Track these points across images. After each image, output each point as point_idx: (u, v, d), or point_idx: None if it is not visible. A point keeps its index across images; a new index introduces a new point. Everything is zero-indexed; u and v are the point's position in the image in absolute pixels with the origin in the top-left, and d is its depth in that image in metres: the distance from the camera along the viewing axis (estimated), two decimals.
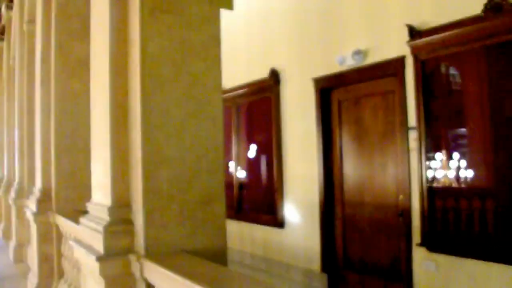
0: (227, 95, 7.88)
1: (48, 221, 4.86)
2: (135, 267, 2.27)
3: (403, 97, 5.18)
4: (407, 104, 5.15)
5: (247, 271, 7.33)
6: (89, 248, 2.52)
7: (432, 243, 4.81)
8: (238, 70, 7.95)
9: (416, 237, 4.98)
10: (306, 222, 6.60)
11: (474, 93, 4.66)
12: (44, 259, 5.01)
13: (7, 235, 9.44)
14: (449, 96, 4.90)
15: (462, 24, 4.51)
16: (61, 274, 4.66)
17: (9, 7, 9.18)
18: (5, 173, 10.52)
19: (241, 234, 8.00)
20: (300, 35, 6.74)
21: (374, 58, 5.55)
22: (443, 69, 4.92)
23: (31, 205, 5.37)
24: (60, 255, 4.65)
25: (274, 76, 7.11)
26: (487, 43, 4.39)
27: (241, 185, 8.25)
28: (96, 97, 2.81)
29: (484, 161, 4.54)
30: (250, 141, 8.15)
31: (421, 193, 4.91)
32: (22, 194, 7.31)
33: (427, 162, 4.86)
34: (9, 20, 9.52)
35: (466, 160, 4.63)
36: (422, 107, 4.92)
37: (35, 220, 5.01)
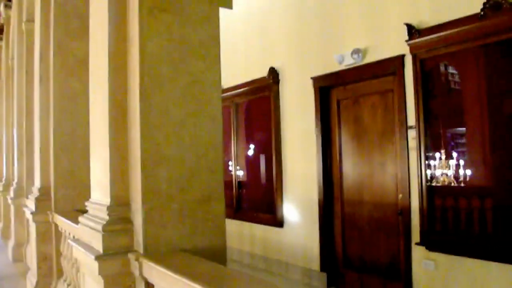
0: (226, 94, 7.89)
1: (47, 220, 4.85)
2: (134, 266, 2.27)
3: (402, 96, 5.19)
4: (406, 103, 5.15)
5: (247, 270, 7.33)
6: (88, 247, 2.52)
7: (431, 242, 4.81)
8: (237, 69, 7.95)
9: (415, 236, 4.98)
10: (305, 221, 6.60)
11: (473, 92, 4.66)
12: (43, 258, 5.01)
13: (6, 235, 9.43)
14: (448, 95, 4.90)
15: (461, 23, 4.51)
16: (60, 274, 4.66)
17: (8, 6, 9.17)
18: (4, 172, 10.51)
19: (241, 234, 8.00)
20: (299, 34, 6.74)
21: (373, 57, 5.55)
22: (442, 68, 4.93)
23: (30, 205, 5.36)
24: (59, 254, 4.64)
25: (273, 75, 7.11)
26: (486, 42, 4.39)
27: (240, 184, 8.26)
28: (95, 97, 2.80)
29: (483, 160, 4.54)
30: (249, 140, 8.15)
31: (420, 192, 4.91)
32: (21, 193, 7.31)
33: (426, 161, 4.87)
34: (8, 19, 9.50)
35: (465, 159, 4.64)
36: (421, 106, 4.93)
37: (34, 220, 5.00)
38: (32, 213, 5.02)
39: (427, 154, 4.88)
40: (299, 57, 6.74)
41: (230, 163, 8.36)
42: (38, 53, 5.18)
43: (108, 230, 2.33)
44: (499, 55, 4.39)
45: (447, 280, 4.69)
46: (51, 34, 4.83)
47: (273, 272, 7.12)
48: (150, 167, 2.27)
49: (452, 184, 4.67)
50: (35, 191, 5.20)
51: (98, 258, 2.29)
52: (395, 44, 5.22)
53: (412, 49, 5.00)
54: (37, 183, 5.23)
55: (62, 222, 4.26)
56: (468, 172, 4.57)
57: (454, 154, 4.70)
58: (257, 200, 7.86)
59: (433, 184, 4.82)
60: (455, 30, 4.56)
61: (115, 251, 2.33)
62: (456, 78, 4.91)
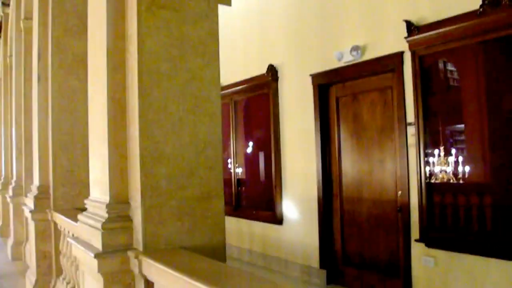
0: (225, 91, 7.88)
1: (46, 218, 4.85)
2: (133, 264, 2.26)
3: (401, 93, 5.19)
4: (405, 100, 5.15)
5: (246, 267, 7.34)
6: (87, 245, 2.51)
7: (430, 239, 4.82)
8: (236, 66, 7.95)
9: (415, 232, 4.99)
10: (304, 219, 6.60)
11: (472, 89, 4.66)
12: (42, 256, 5.01)
13: (5, 233, 9.44)
14: (447, 92, 4.90)
15: (460, 20, 4.51)
16: (59, 272, 4.66)
17: (6, 4, 9.15)
18: (3, 171, 10.50)
19: (240, 231, 8.01)
20: (298, 31, 6.73)
21: (372, 54, 5.54)
22: (441, 64, 4.92)
23: (29, 203, 5.36)
24: (58, 252, 4.64)
25: (272, 72, 7.10)
26: (485, 39, 4.39)
27: (240, 182, 8.26)
28: (93, 94, 2.79)
29: (482, 157, 4.55)
30: (248, 137, 8.15)
31: (420, 189, 4.91)
32: (19, 192, 7.31)
33: (426, 158, 4.87)
34: (6, 17, 9.48)
35: (464, 156, 4.64)
36: (420, 103, 4.92)
37: (33, 218, 5.00)
38: (31, 211, 5.01)
39: (426, 151, 4.89)
40: (298, 54, 6.73)
41: (229, 160, 8.36)
42: (37, 51, 5.17)
43: (107, 228, 2.33)
44: (498, 51, 4.39)
45: (447, 277, 4.69)
46: (49, 32, 4.82)
47: (272, 269, 7.13)
48: (149, 164, 2.26)
49: (451, 181, 4.67)
50: (34, 190, 5.20)
51: (97, 256, 2.28)
52: (394, 41, 5.22)
53: (411, 46, 4.99)
54: (36, 181, 5.22)
55: (61, 220, 4.26)
56: (467, 169, 4.58)
57: (453, 151, 4.70)
58: (256, 197, 7.87)
59: (432, 181, 4.82)
60: (454, 26, 4.56)
61: (114, 249, 2.32)
62: (455, 75, 4.91)
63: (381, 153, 5.59)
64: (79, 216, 2.79)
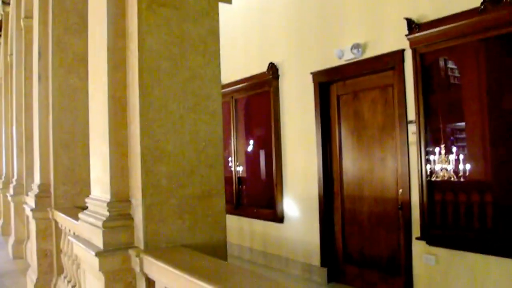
0: (225, 90, 7.88)
1: (47, 217, 4.85)
2: (134, 262, 2.26)
3: (402, 90, 5.18)
4: (406, 98, 5.14)
5: (247, 265, 7.34)
6: (88, 244, 2.51)
7: (431, 237, 4.82)
8: (236, 64, 7.94)
9: (416, 230, 4.98)
10: (305, 217, 6.60)
11: (473, 86, 4.65)
12: (44, 255, 5.01)
13: (6, 232, 9.45)
14: (448, 90, 4.89)
15: (461, 17, 4.50)
16: (60, 270, 4.66)
17: (6, 3, 9.15)
18: (4, 169, 10.51)
19: (241, 229, 8.01)
20: (299, 29, 6.72)
21: (372, 51, 5.54)
22: (442, 62, 4.91)
23: (30, 201, 5.36)
24: (59, 251, 4.65)
25: (273, 70, 7.10)
26: (487, 36, 4.38)
27: (240, 180, 8.25)
28: (94, 92, 2.79)
29: (482, 155, 4.54)
30: (249, 136, 8.14)
31: (420, 187, 4.91)
32: (20, 190, 7.31)
33: (426, 156, 4.86)
34: (6, 15, 9.48)
35: (465, 154, 4.64)
36: (421, 101, 4.92)
37: (34, 216, 5.00)
38: (32, 210, 5.02)
39: (427, 149, 4.88)
40: (298, 52, 6.72)
41: (230, 159, 8.35)
42: (37, 50, 5.17)
43: (108, 226, 2.33)
44: (499, 49, 4.38)
45: (448, 275, 4.69)
46: (49, 30, 4.81)
47: (273, 267, 7.13)
48: (150, 163, 2.26)
49: (452, 179, 4.67)
50: (35, 188, 5.20)
51: (98, 254, 2.28)
52: (394, 38, 5.21)
53: (412, 43, 4.99)
54: (37, 180, 5.22)
55: (62, 219, 4.26)
56: (468, 166, 4.57)
57: (454, 149, 4.69)
58: (257, 195, 7.86)
59: (433, 179, 4.81)
60: (455, 24, 4.55)
61: (115, 247, 2.32)
62: (456, 73, 4.90)
63: (382, 151, 5.59)
64: (80, 215, 2.79)
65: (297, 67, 6.72)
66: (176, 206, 2.32)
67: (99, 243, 2.36)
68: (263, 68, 7.27)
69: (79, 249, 2.67)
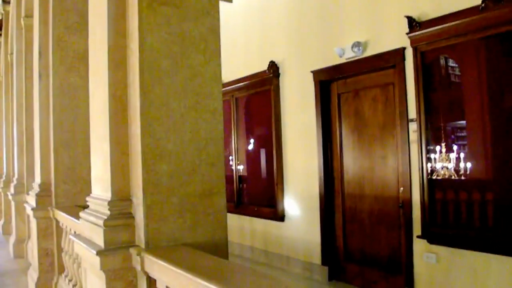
0: (226, 88, 7.88)
1: (48, 216, 4.86)
2: (135, 261, 2.26)
3: (403, 89, 5.17)
4: (407, 96, 5.14)
5: (248, 264, 7.34)
6: (89, 243, 2.51)
7: (432, 235, 4.81)
8: (237, 63, 7.94)
9: (417, 229, 4.98)
10: (306, 215, 6.60)
11: (474, 85, 4.64)
12: (44, 254, 5.02)
13: (7, 231, 9.46)
14: (449, 88, 4.89)
15: (462, 15, 4.49)
16: (61, 269, 4.67)
17: (6, 2, 9.15)
18: (4, 169, 10.52)
19: (241, 228, 8.01)
20: (299, 27, 6.71)
21: (373, 50, 5.53)
22: (442, 60, 4.90)
23: (31, 201, 5.36)
24: (60, 250, 4.65)
25: (273, 68, 7.09)
26: (487, 34, 4.37)
27: (241, 179, 8.26)
28: (95, 91, 2.79)
29: (483, 153, 4.53)
30: (249, 134, 8.14)
31: (421, 185, 4.91)
32: (21, 189, 7.31)
33: (427, 154, 4.86)
34: (7, 14, 9.48)
35: (466, 152, 4.63)
36: (422, 99, 4.91)
37: (35, 215, 5.01)
38: (32, 209, 5.02)
39: (428, 147, 4.88)
40: (299, 50, 6.72)
41: (230, 157, 8.35)
42: (37, 49, 5.17)
43: (109, 225, 2.33)
44: (500, 47, 4.37)
45: (449, 273, 4.69)
46: (50, 29, 4.81)
47: (274, 266, 7.13)
48: (150, 161, 2.26)
49: (453, 177, 4.66)
50: (36, 187, 5.20)
51: (99, 253, 2.28)
52: (395, 37, 5.20)
53: (413, 41, 4.98)
54: (38, 179, 5.23)
55: (63, 218, 4.27)
56: (469, 165, 4.57)
57: (455, 147, 4.69)
58: (258, 194, 7.87)
59: (434, 177, 4.81)
60: (456, 22, 4.54)
61: (116, 246, 2.32)
62: (457, 71, 4.89)
63: (383, 149, 5.58)
64: (81, 214, 2.79)
65: (298, 66, 6.71)
66: (177, 205, 2.32)
67: (100, 242, 2.36)
68: (264, 66, 7.27)
69: (80, 248, 2.67)
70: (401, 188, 5.24)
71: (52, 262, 4.94)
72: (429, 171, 4.83)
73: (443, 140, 4.77)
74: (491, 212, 4.40)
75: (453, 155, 4.67)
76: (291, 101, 6.88)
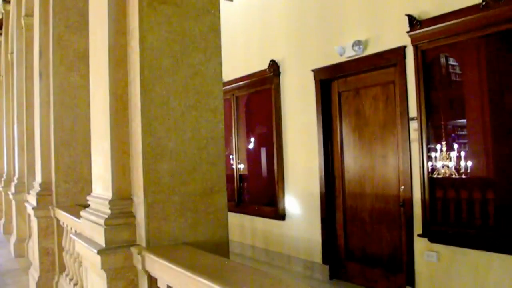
0: (226, 87, 7.87)
1: (48, 215, 4.86)
2: (136, 260, 2.26)
3: (404, 87, 5.17)
4: (407, 95, 5.13)
5: (248, 263, 7.34)
6: (90, 242, 2.51)
7: (433, 234, 4.81)
8: (237, 62, 7.93)
9: (418, 227, 4.98)
10: (307, 214, 6.60)
11: (475, 83, 4.64)
12: (45, 253, 5.02)
13: (8, 230, 9.47)
14: (450, 87, 4.88)
15: (463, 13, 4.48)
16: (62, 268, 4.67)
17: (7, 1, 9.14)
18: (5, 168, 10.52)
19: (242, 227, 8.01)
20: (300, 26, 6.71)
21: (374, 48, 5.52)
22: (443, 59, 4.90)
23: (31, 200, 5.37)
24: (61, 249, 4.65)
25: (274, 67, 7.09)
26: (488, 33, 4.37)
27: (242, 178, 8.26)
28: (95, 90, 2.79)
29: (484, 152, 4.53)
30: (250, 133, 8.14)
31: (422, 184, 4.90)
32: (22, 188, 7.32)
33: (428, 153, 4.85)
34: (7, 13, 9.47)
35: (466, 151, 4.63)
36: (422, 98, 4.91)
37: (36, 215, 5.01)
38: (33, 208, 5.02)
39: (428, 146, 4.87)
40: (299, 49, 6.71)
41: (231, 156, 8.35)
42: (38, 48, 5.17)
43: (110, 224, 2.33)
44: (501, 45, 4.36)
45: (450, 272, 4.69)
46: (50, 28, 4.81)
47: (275, 265, 7.13)
48: (151, 160, 2.26)
49: (453, 176, 4.66)
50: (36, 186, 5.20)
51: (100, 252, 2.28)
52: (396, 35, 5.20)
53: (413, 40, 4.97)
54: (38, 178, 5.23)
55: (64, 217, 4.27)
56: (469, 163, 4.56)
57: (456, 146, 4.68)
58: (259, 193, 7.87)
59: (435, 175, 4.80)
60: (457, 20, 4.54)
61: (117, 245, 2.32)
62: (458, 69, 4.88)
63: (383, 148, 5.58)
64: (82, 213, 2.79)
65: (298, 64, 6.71)
66: (178, 204, 2.32)
67: (101, 241, 2.36)
68: (264, 65, 7.26)
69: (81, 247, 2.67)
70: (402, 187, 5.23)
71: (53, 261, 4.95)
72: (429, 169, 4.83)
73: (443, 138, 4.76)
74: (492, 211, 4.40)
75: (453, 154, 4.67)
76: (292, 100, 6.87)
